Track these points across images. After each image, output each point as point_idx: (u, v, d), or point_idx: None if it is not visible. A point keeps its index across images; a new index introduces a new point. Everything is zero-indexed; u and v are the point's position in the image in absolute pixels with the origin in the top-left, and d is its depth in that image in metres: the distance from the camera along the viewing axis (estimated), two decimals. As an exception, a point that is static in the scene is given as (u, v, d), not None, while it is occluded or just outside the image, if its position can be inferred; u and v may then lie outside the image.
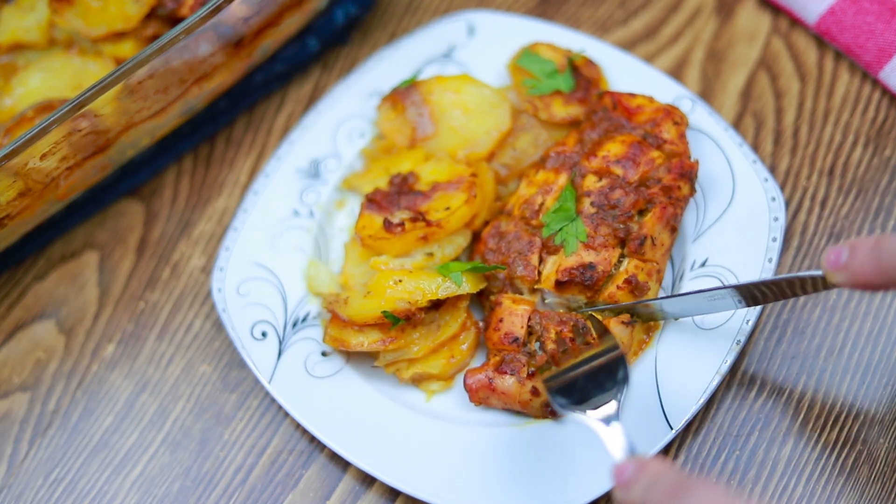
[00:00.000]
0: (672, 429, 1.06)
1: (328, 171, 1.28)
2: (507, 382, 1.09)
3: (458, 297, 1.14)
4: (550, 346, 1.08)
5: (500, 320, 1.12)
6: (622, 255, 1.12)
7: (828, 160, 1.24)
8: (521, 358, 1.10)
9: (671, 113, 1.18)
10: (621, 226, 1.11)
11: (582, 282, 1.10)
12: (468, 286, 1.13)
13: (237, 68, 1.28)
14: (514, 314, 1.12)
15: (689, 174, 1.15)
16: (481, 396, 1.11)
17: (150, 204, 1.35)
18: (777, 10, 1.33)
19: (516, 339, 1.10)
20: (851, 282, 0.90)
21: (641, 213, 1.13)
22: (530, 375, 1.08)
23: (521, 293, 1.15)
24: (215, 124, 1.36)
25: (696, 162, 1.16)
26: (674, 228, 1.14)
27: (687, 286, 1.14)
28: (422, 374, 1.14)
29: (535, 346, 1.11)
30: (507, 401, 1.10)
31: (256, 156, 1.35)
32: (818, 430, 1.10)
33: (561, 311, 1.12)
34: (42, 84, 1.29)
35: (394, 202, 1.19)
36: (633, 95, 1.20)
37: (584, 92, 1.24)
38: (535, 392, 1.08)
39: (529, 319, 1.11)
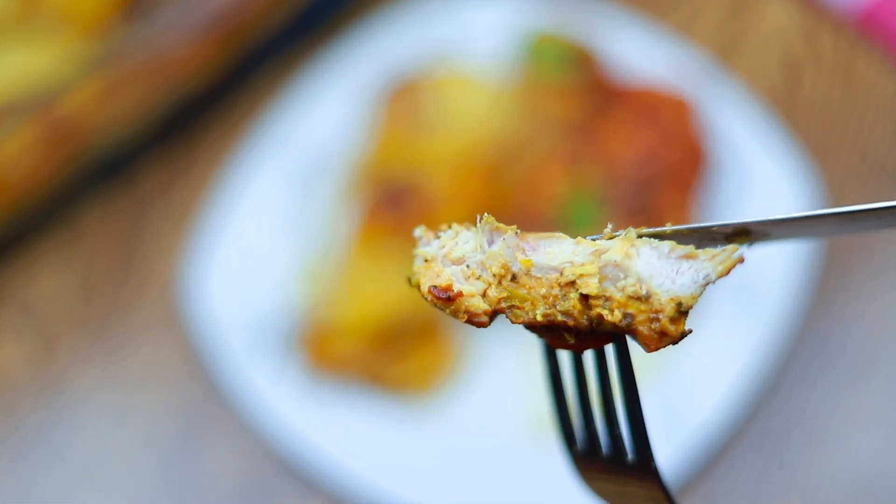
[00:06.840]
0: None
1: (325, 169, 1.25)
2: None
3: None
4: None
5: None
6: None
7: (857, 150, 1.21)
8: None
9: (679, 103, 1.17)
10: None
11: None
12: None
13: (223, 61, 1.25)
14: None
15: (703, 159, 1.14)
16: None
17: (133, 205, 1.28)
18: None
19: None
20: None
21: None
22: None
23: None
24: (201, 120, 1.32)
25: (711, 148, 1.15)
26: None
27: None
28: (416, 367, 1.15)
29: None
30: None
31: (247, 153, 1.29)
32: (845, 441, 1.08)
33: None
34: (13, 71, 1.23)
35: (394, 203, 1.17)
36: (638, 89, 1.19)
37: (587, 90, 1.21)
38: None
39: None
